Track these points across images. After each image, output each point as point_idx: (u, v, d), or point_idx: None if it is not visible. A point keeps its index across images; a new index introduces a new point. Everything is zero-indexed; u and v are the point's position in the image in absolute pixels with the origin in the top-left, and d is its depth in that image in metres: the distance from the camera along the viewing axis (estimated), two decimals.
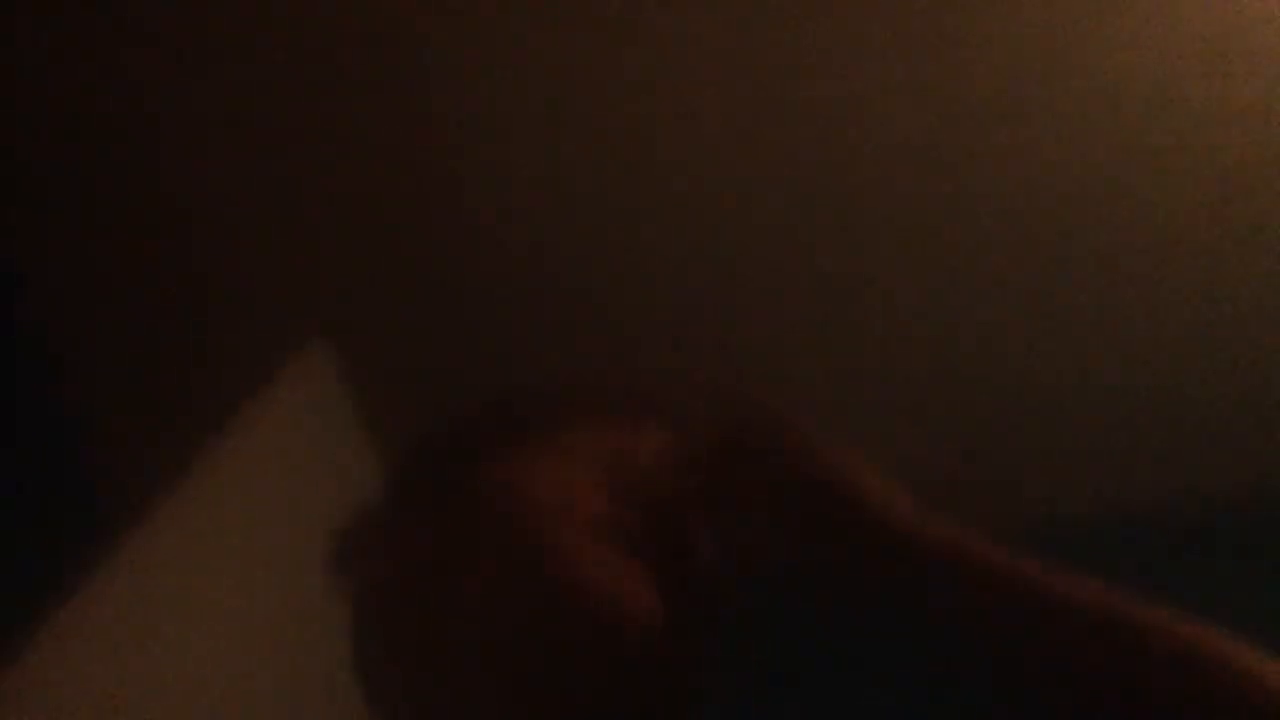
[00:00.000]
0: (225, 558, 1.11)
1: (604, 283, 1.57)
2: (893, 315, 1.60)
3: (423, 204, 1.54)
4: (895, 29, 1.44)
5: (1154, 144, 1.50)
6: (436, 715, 0.66)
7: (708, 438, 0.72)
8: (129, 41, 1.46)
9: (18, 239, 1.54)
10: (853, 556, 0.67)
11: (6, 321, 1.52)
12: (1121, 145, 1.51)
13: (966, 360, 1.61)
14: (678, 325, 1.59)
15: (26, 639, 0.91)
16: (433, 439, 0.74)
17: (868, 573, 0.66)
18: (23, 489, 1.32)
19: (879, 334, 1.61)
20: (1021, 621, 0.63)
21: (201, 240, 1.56)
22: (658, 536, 0.68)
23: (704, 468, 0.71)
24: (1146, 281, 1.57)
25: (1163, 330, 1.60)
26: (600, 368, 1.56)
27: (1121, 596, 0.61)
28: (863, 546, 0.66)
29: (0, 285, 1.53)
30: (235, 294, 1.57)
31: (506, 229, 1.56)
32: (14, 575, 1.01)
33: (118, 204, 1.54)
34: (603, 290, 1.57)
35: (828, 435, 0.69)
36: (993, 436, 1.63)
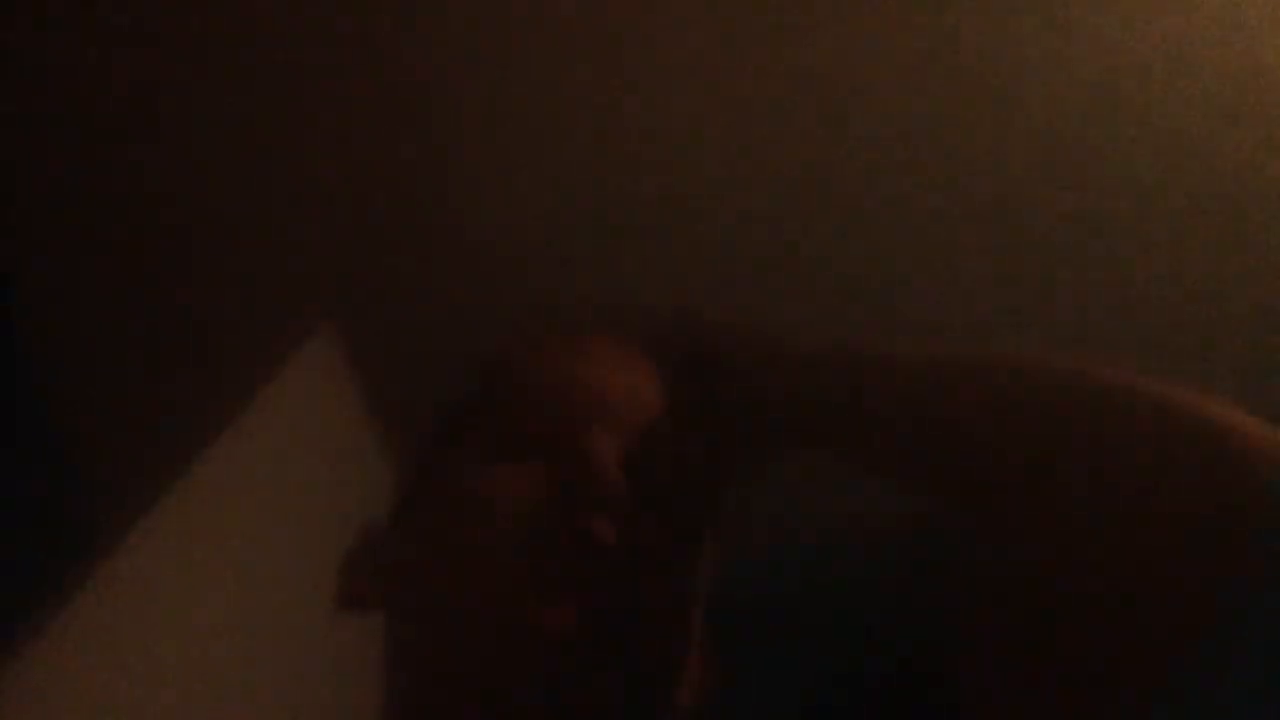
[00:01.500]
0: (234, 548, 1.11)
1: (611, 266, 1.57)
2: (890, 311, 1.59)
3: (433, 185, 1.53)
4: (896, 18, 1.44)
5: (1155, 137, 1.50)
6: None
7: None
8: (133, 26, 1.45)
9: (19, 219, 1.54)
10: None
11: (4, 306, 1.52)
12: (1122, 136, 1.51)
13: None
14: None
15: (28, 636, 0.92)
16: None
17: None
18: (22, 477, 1.32)
19: (880, 325, 1.61)
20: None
21: (208, 224, 1.56)
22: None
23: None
24: (1146, 279, 1.58)
25: (1161, 327, 1.60)
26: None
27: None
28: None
29: None
30: (243, 281, 1.56)
31: (518, 210, 1.55)
32: (15, 567, 1.01)
33: (121, 188, 1.54)
34: (609, 273, 1.57)
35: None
36: None
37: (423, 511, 0.73)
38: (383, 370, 1.51)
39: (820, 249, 1.55)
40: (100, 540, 1.01)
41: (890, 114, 1.48)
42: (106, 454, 1.55)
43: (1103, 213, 1.53)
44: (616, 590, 0.65)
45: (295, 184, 1.53)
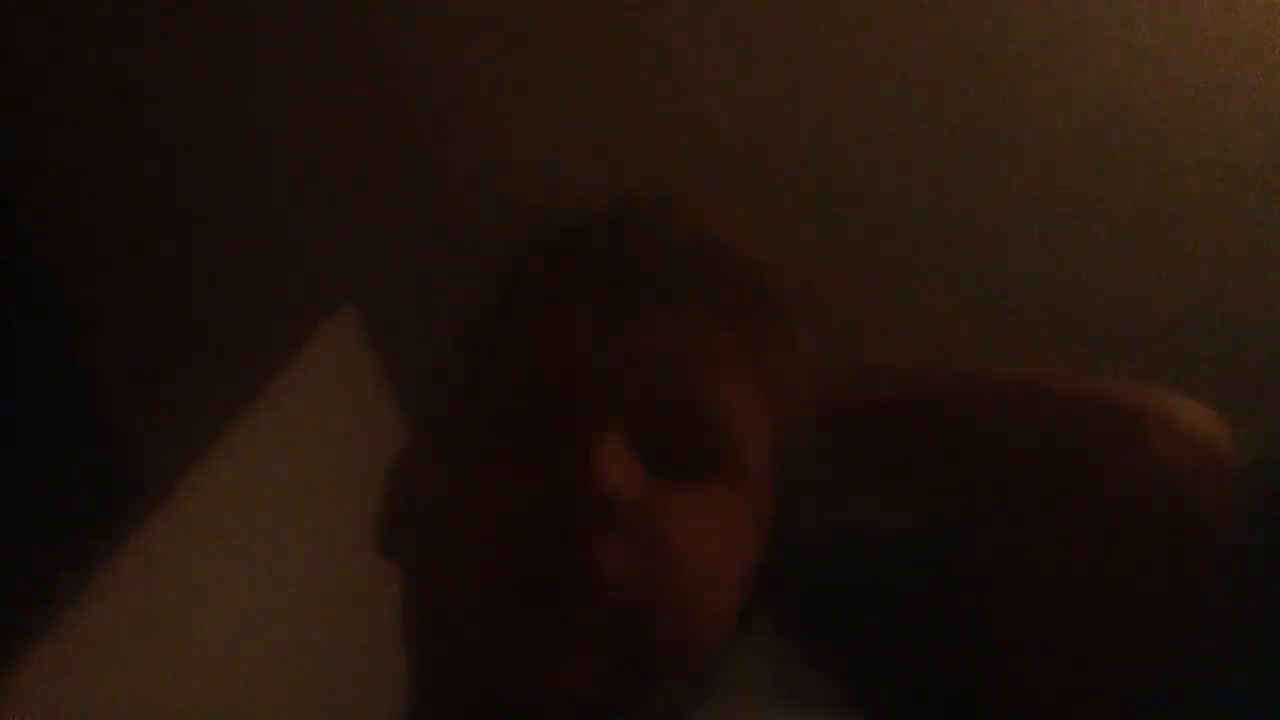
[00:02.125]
0: (257, 529, 1.11)
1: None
2: (889, 310, 1.60)
3: (451, 162, 1.52)
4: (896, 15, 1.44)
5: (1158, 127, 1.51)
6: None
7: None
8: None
9: (18, 218, 1.53)
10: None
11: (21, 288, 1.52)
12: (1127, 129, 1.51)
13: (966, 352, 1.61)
14: None
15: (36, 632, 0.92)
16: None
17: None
18: (42, 457, 1.32)
19: (879, 325, 1.61)
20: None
21: (208, 223, 1.56)
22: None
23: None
24: (1145, 278, 1.58)
25: (1160, 327, 1.60)
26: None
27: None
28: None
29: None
30: (261, 262, 1.56)
31: (518, 207, 1.53)
32: (42, 545, 1.01)
33: (121, 187, 1.54)
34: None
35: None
36: None
37: (413, 508, 0.61)
38: (413, 334, 1.50)
39: (817, 249, 1.55)
40: (126, 514, 1.01)
41: (889, 114, 1.48)
42: (131, 424, 1.54)
43: (1102, 212, 1.54)
44: (635, 636, 0.49)
45: (295, 183, 1.53)
